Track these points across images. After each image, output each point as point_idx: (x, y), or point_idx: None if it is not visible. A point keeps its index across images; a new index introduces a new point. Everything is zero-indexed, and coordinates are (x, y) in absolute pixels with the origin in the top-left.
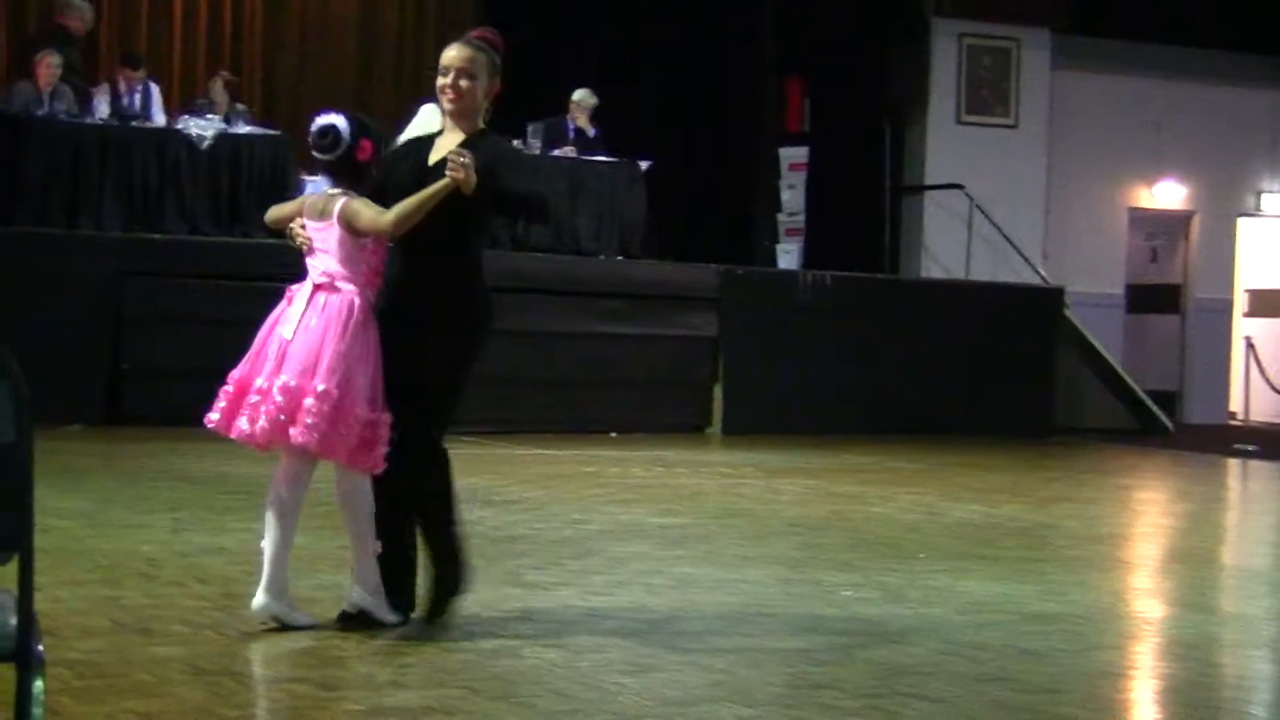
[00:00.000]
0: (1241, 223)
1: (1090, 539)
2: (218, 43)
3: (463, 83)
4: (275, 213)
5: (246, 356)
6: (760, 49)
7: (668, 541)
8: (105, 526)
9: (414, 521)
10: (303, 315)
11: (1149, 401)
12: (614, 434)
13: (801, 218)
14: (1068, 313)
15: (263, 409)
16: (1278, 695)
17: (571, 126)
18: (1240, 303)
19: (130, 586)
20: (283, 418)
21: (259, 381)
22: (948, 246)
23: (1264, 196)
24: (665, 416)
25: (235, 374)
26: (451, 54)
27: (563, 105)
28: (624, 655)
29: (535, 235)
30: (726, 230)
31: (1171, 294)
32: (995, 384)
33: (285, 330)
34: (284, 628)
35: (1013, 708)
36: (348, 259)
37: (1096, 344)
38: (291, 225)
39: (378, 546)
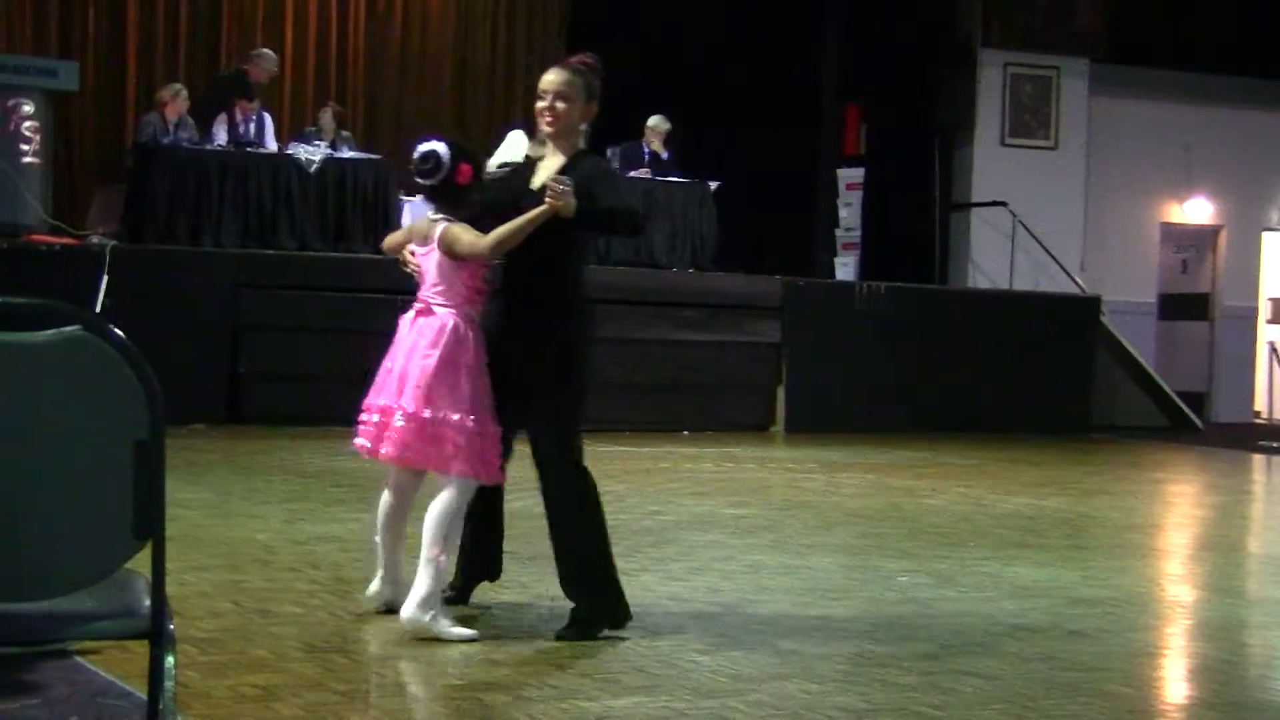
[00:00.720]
0: (1266, 236)
1: (1128, 528)
2: (325, 75)
3: (559, 105)
4: (390, 241)
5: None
6: (822, 78)
7: (739, 531)
8: (226, 516)
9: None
10: (407, 343)
11: (1179, 401)
12: (686, 432)
13: (858, 233)
14: (1104, 319)
15: (371, 428)
16: None
17: (647, 150)
18: (1264, 310)
19: (249, 571)
20: (380, 434)
21: (373, 402)
22: (993, 259)
23: None
24: (733, 416)
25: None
26: (549, 78)
27: (639, 130)
28: (700, 636)
29: (616, 251)
30: (789, 245)
31: (1200, 302)
32: (1037, 385)
33: (392, 357)
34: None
35: (1059, 684)
36: (445, 281)
37: (1131, 348)
38: (403, 253)
39: (444, 562)
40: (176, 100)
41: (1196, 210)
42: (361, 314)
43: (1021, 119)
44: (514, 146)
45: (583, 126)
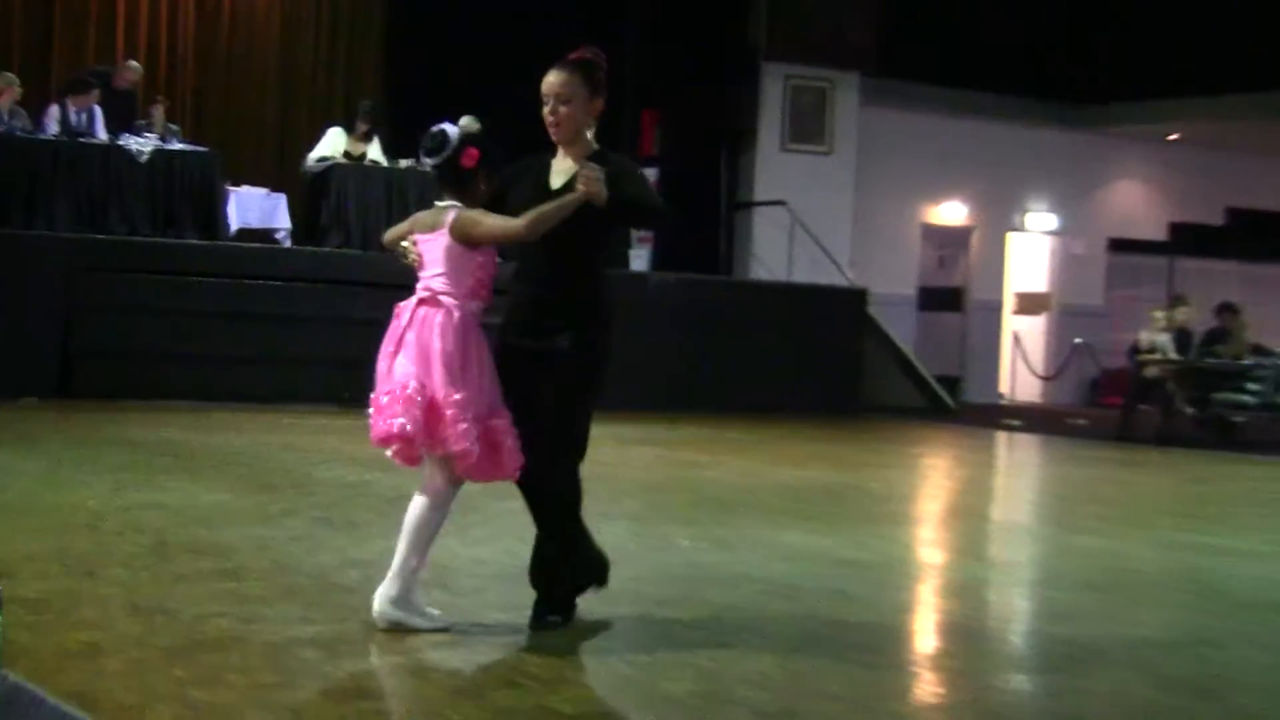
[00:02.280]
0: (1011, 236)
1: (887, 498)
2: (154, 73)
3: (561, 109)
4: (391, 234)
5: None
6: (621, 84)
7: None
8: (56, 485)
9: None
10: (404, 331)
11: (935, 385)
12: None
13: None
14: (870, 310)
15: (377, 419)
16: (1033, 625)
17: None
18: (1009, 303)
19: (77, 536)
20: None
21: (374, 396)
22: (773, 253)
23: (1029, 215)
24: None
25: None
26: (550, 80)
27: None
28: (500, 596)
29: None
30: None
31: (955, 295)
32: (811, 369)
33: (389, 347)
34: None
35: (823, 638)
36: (454, 271)
37: (894, 336)
38: (402, 243)
39: (423, 563)
40: (10, 90)
41: (952, 212)
42: (189, 297)
43: (800, 126)
44: (333, 142)
45: (589, 122)
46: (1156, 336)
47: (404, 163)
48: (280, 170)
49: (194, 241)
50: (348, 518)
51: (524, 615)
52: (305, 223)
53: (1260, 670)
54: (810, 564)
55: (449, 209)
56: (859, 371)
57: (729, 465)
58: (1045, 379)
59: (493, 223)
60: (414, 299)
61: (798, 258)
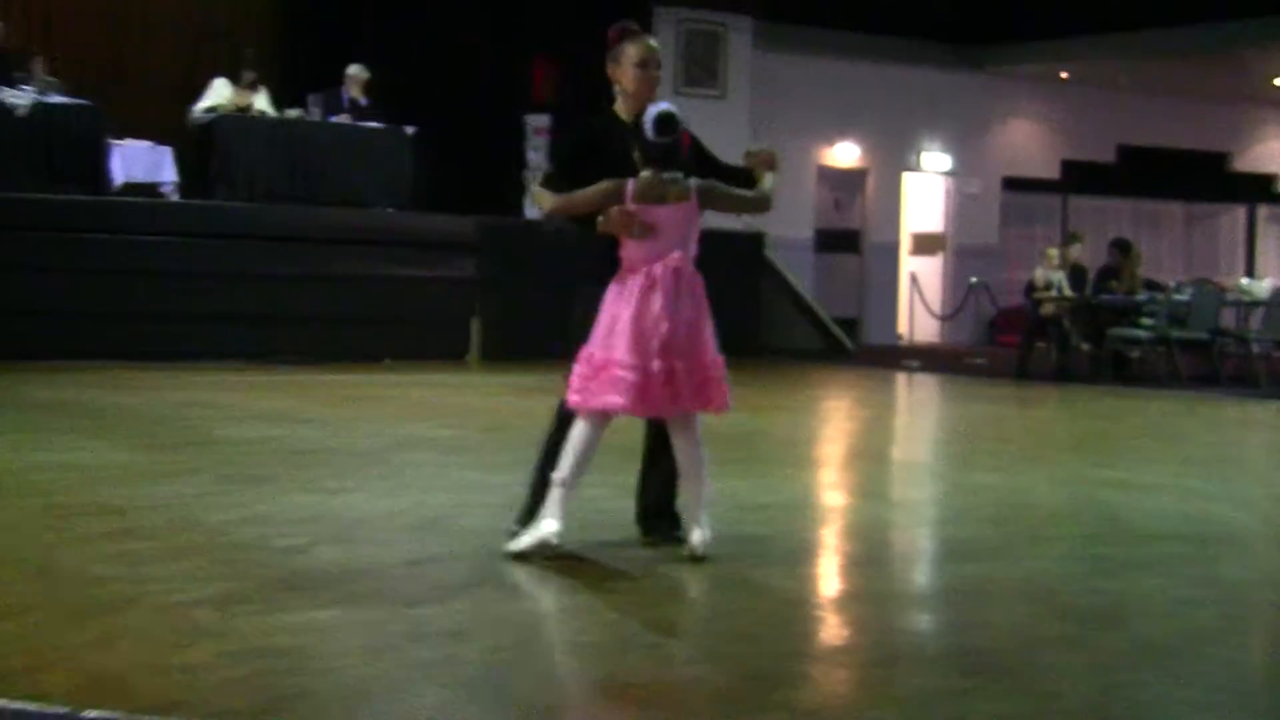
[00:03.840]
0: (906, 177)
1: (790, 441)
2: (34, 26)
3: (656, 73)
4: (580, 201)
5: (611, 338)
6: (512, 31)
7: (444, 451)
8: None
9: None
10: (677, 300)
11: (835, 327)
12: (388, 360)
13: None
14: (767, 253)
15: (680, 388)
16: (936, 563)
17: (347, 97)
18: (905, 244)
19: None
20: (695, 391)
21: (654, 364)
22: None
23: (923, 155)
24: (433, 346)
25: (601, 353)
26: (652, 47)
27: (339, 78)
28: (404, 550)
29: (325, 192)
30: (482, 186)
31: (852, 237)
32: (713, 313)
33: (666, 313)
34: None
35: (729, 580)
36: (691, 238)
37: (791, 279)
38: (622, 211)
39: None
40: None
41: (847, 154)
42: (76, 254)
43: (693, 70)
44: (219, 93)
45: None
46: (1051, 274)
47: (292, 113)
48: (167, 123)
49: (78, 197)
50: (249, 473)
51: (430, 566)
52: (193, 176)
53: (1160, 598)
54: (717, 508)
55: (678, 180)
56: (758, 315)
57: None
58: (942, 319)
59: (739, 193)
60: (664, 264)
61: None
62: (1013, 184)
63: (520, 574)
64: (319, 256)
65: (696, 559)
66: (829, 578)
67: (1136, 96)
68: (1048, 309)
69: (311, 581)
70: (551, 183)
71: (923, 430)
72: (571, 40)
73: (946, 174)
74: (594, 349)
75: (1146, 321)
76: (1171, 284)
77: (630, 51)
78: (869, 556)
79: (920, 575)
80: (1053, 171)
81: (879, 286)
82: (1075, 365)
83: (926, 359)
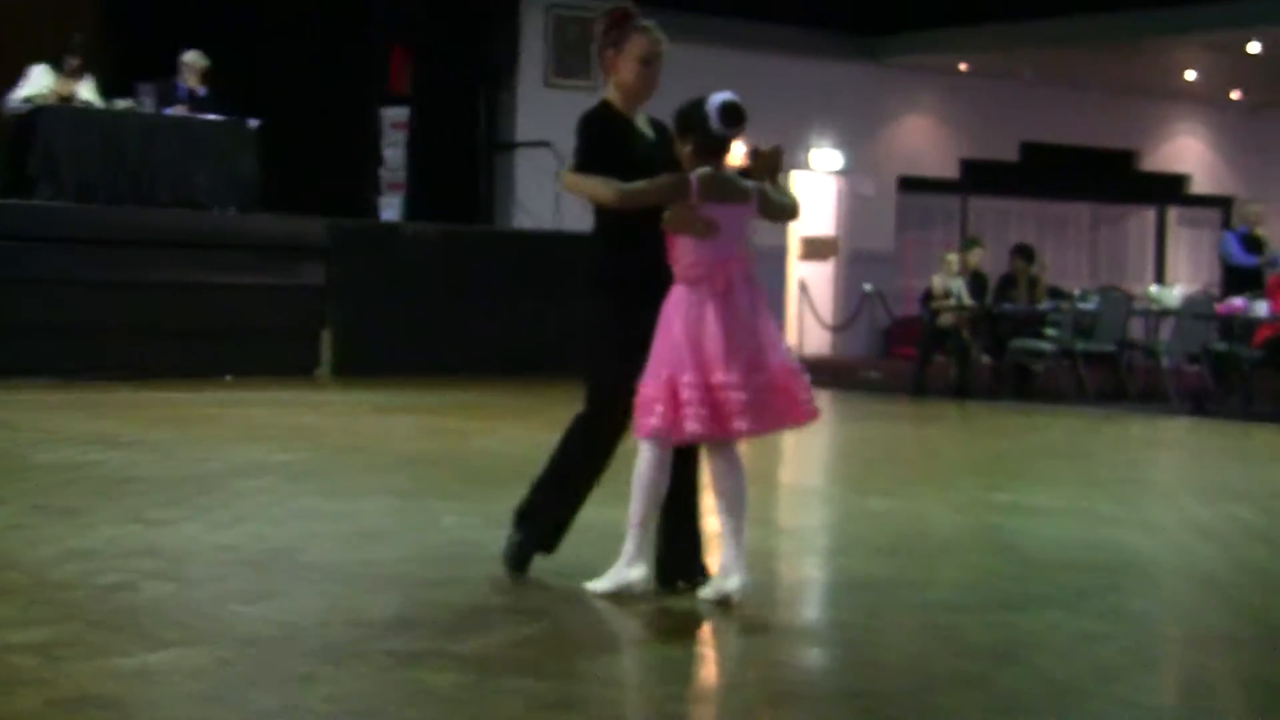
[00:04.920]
0: (795, 176)
1: None
2: None
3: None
4: (646, 194)
5: (694, 355)
6: (367, 16)
7: (287, 476)
8: None
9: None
10: (752, 302)
11: None
12: (229, 377)
13: (403, 173)
14: None
15: (794, 395)
16: (826, 595)
17: (183, 87)
18: (795, 248)
19: None
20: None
21: (751, 378)
22: (538, 200)
23: (813, 153)
24: (278, 361)
25: (691, 374)
26: (659, 40)
27: (174, 66)
28: (243, 585)
29: (160, 192)
30: (334, 185)
31: None
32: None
33: (742, 327)
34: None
35: (600, 619)
36: (746, 241)
37: None
38: (687, 209)
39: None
40: None
41: (735, 151)
42: None
43: (565, 60)
44: (39, 81)
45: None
46: (950, 282)
47: (121, 104)
48: None
49: None
50: (69, 504)
51: (268, 605)
52: (10, 173)
53: (1058, 631)
54: (586, 537)
55: (740, 180)
56: None
57: (500, 433)
58: (834, 330)
59: (784, 201)
60: (736, 269)
61: (565, 204)
62: (909, 184)
63: (377, 609)
64: (152, 262)
65: (728, 608)
66: (710, 611)
67: (1040, 90)
68: (946, 319)
69: (141, 622)
70: (588, 168)
71: (812, 451)
72: (431, 27)
73: (838, 173)
74: (671, 369)
75: (1050, 332)
76: (1077, 292)
77: (637, 43)
78: (757, 585)
79: (809, 608)
80: (951, 171)
81: (766, 294)
82: (975, 379)
83: (817, 373)
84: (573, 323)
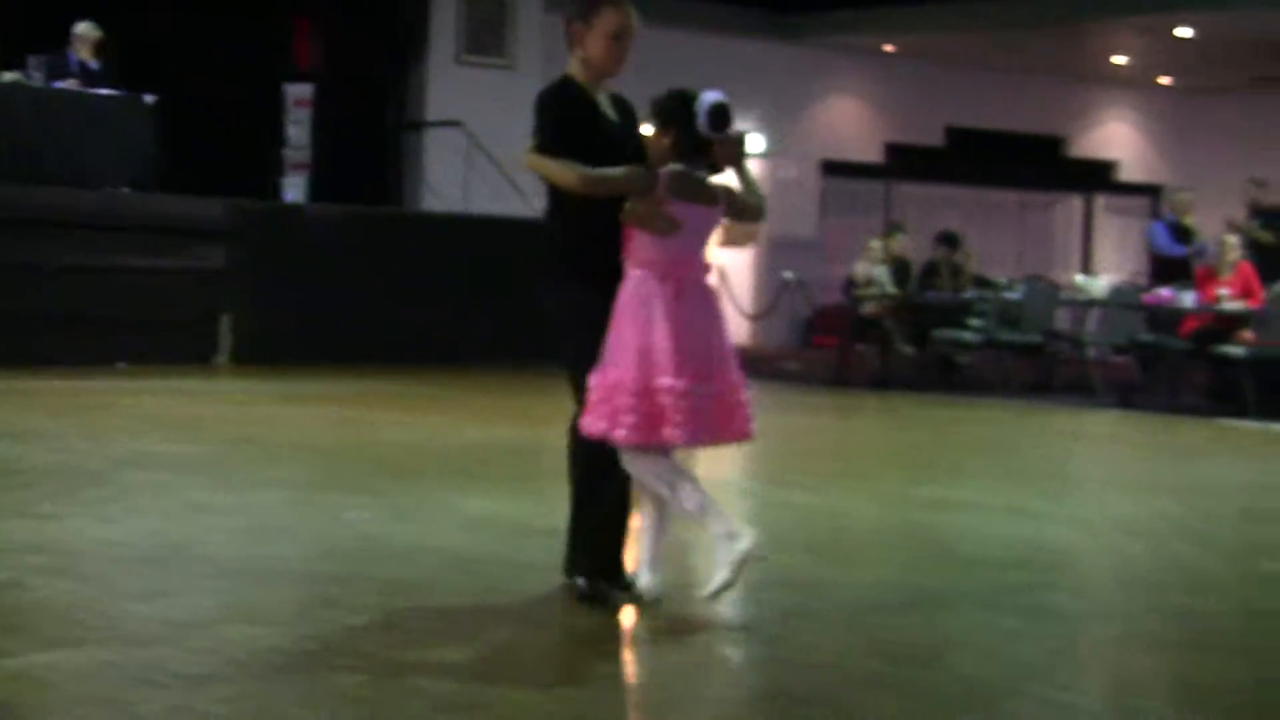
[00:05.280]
0: None
1: None
2: None
3: (628, 46)
4: (611, 183)
5: (648, 356)
6: None
7: (181, 468)
8: None
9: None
10: (706, 310)
11: None
12: (123, 365)
13: (308, 152)
14: None
15: (734, 412)
16: (741, 592)
17: (74, 60)
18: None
19: None
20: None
21: (696, 387)
22: (449, 181)
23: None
24: (175, 348)
25: (638, 377)
26: (632, 16)
27: (65, 38)
28: (135, 582)
29: (48, 169)
30: (235, 165)
31: None
32: (495, 312)
33: (695, 331)
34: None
35: (502, 612)
36: (707, 246)
37: None
38: (652, 205)
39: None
40: None
41: (646, 132)
42: None
43: (477, 36)
44: None
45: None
46: (873, 269)
47: (8, 76)
48: None
49: None
50: None
51: (162, 603)
52: None
53: (980, 630)
54: (497, 532)
55: (712, 181)
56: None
57: (407, 424)
58: (753, 318)
59: (754, 203)
60: (693, 270)
61: (477, 186)
62: (832, 168)
63: (277, 606)
64: (41, 243)
65: (641, 602)
66: (623, 610)
67: (967, 73)
68: (869, 308)
69: (27, 621)
70: (551, 149)
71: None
72: (337, 1)
73: (760, 156)
74: (624, 371)
75: (975, 322)
76: (1002, 281)
77: (607, 18)
78: (665, 584)
79: (725, 606)
80: (876, 155)
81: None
82: (898, 370)
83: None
84: (478, 308)
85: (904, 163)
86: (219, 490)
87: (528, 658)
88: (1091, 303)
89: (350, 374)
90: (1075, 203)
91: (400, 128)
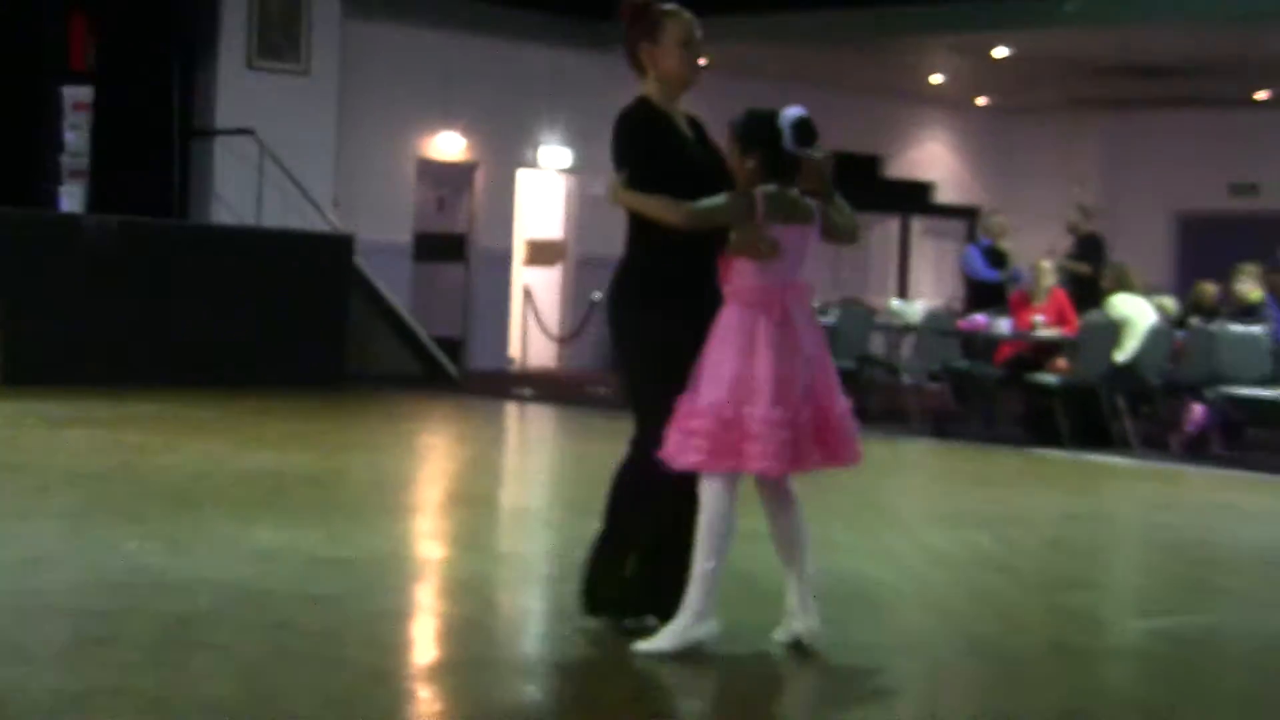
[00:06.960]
0: (521, 174)
1: (376, 485)
2: None
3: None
4: (714, 215)
5: (745, 385)
6: None
7: None
8: None
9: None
10: (811, 334)
11: (435, 349)
12: None
13: (85, 159)
14: (357, 260)
15: (826, 439)
16: (549, 627)
17: None
18: (520, 252)
19: None
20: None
21: (793, 416)
22: (238, 192)
23: (541, 150)
24: None
25: (733, 405)
26: (696, 24)
27: None
28: None
29: None
30: (5, 171)
31: (457, 243)
32: (287, 331)
33: (798, 354)
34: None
35: (295, 652)
36: (806, 266)
37: (384, 292)
38: (754, 230)
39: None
40: None
41: (452, 145)
42: None
43: (270, 39)
44: None
45: None
46: None
47: None
48: None
49: None
50: None
51: None
52: None
53: (767, 662)
54: (283, 564)
55: (804, 199)
56: (344, 334)
57: (187, 450)
58: (560, 340)
59: (848, 222)
60: (794, 295)
61: (268, 197)
62: None
63: (34, 645)
64: None
65: (804, 653)
66: (421, 645)
67: (782, 88)
68: None
69: None
70: (642, 184)
71: (535, 472)
72: None
73: (567, 171)
74: (715, 398)
75: None
76: (816, 304)
77: (672, 29)
78: (469, 620)
79: (528, 642)
80: None
81: (488, 302)
82: None
83: (541, 387)
84: (268, 327)
85: None
86: None
87: (313, 698)
88: (907, 328)
89: (131, 396)
90: (891, 225)
91: (186, 135)
